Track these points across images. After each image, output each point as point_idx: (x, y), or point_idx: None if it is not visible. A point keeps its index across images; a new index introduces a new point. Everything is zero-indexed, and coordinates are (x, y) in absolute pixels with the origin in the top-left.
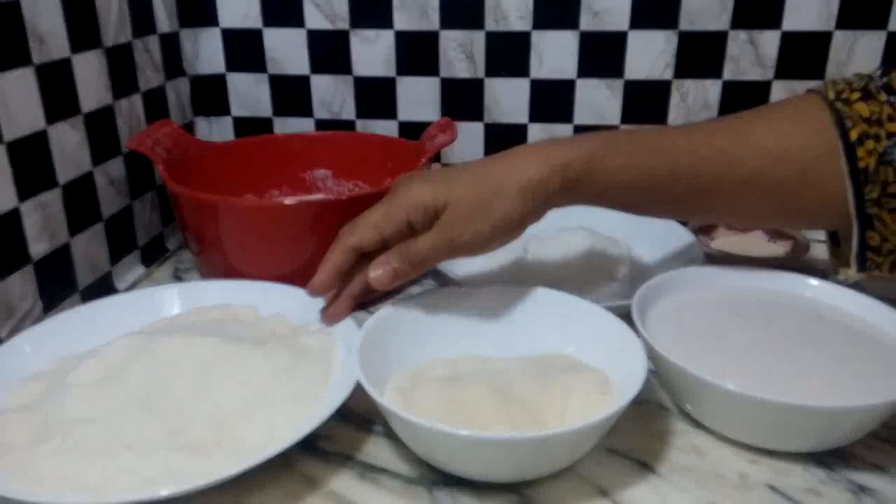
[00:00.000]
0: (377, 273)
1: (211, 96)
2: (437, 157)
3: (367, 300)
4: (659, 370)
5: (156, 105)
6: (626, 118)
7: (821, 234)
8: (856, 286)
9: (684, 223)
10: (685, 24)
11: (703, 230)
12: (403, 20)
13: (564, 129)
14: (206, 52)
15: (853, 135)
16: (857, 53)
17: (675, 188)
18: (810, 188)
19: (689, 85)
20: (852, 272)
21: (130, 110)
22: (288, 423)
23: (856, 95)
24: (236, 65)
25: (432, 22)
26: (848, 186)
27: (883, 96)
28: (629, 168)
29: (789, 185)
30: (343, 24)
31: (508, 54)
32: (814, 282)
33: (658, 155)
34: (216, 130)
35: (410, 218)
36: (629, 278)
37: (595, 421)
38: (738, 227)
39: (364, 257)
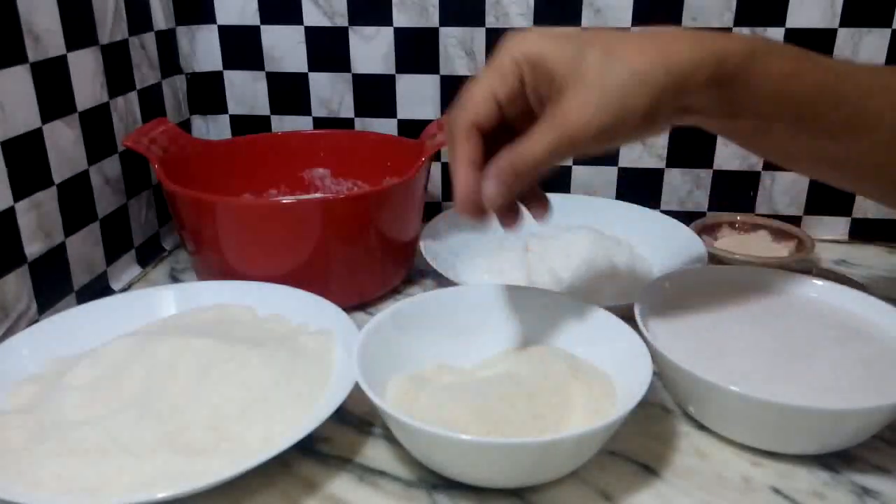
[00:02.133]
0: (487, 189)
1: (208, 94)
2: (437, 156)
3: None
4: (662, 372)
5: (152, 103)
6: None
7: (822, 234)
8: (861, 287)
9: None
10: (688, 20)
11: (707, 230)
12: (403, 17)
13: None
14: (202, 49)
15: None
16: (862, 51)
17: (834, 114)
18: None
19: None
20: None
21: (126, 108)
22: (286, 424)
23: None
24: (233, 62)
25: (432, 19)
26: None
27: None
28: (793, 77)
29: None
30: (342, 21)
31: None
32: (818, 282)
33: (825, 70)
34: (213, 129)
35: (525, 76)
36: (632, 278)
37: (599, 426)
38: (874, 197)
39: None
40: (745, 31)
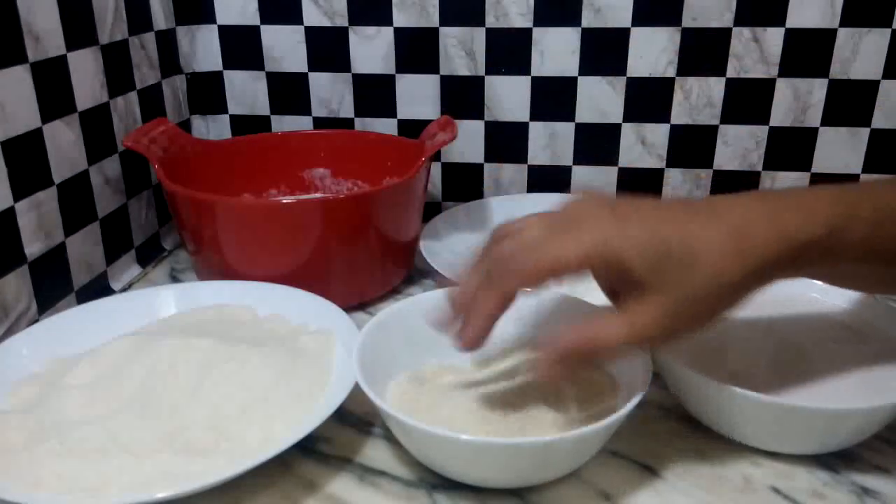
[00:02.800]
0: (541, 370)
1: (208, 94)
2: (437, 156)
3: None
4: (662, 372)
5: (152, 103)
6: (628, 116)
7: None
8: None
9: None
10: (688, 20)
11: None
12: (403, 17)
13: (566, 128)
14: (202, 49)
15: None
16: (862, 51)
17: None
18: None
19: (693, 83)
20: None
21: (126, 108)
22: (286, 424)
23: None
24: (233, 62)
25: (432, 19)
26: None
27: None
28: (875, 238)
29: None
30: (342, 21)
31: (509, 51)
32: (819, 282)
33: None
34: (213, 128)
35: (596, 269)
36: None
37: (599, 426)
38: None
39: None
40: (746, 31)
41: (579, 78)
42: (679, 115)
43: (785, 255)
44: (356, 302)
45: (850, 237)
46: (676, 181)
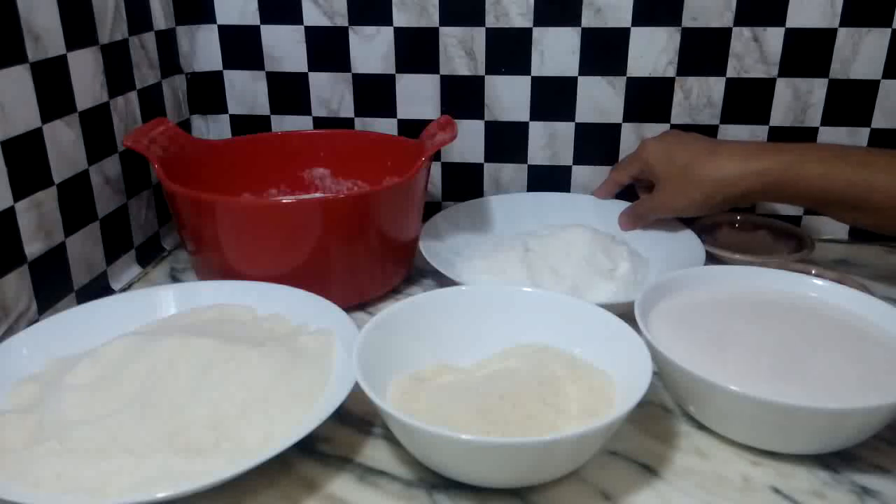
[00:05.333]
0: (624, 215)
1: (208, 94)
2: (437, 156)
3: None
4: (662, 371)
5: (152, 103)
6: (628, 116)
7: (822, 234)
8: (861, 287)
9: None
10: (688, 20)
11: (707, 230)
12: (403, 17)
13: (566, 128)
14: (202, 49)
15: None
16: (862, 51)
17: (872, 197)
18: None
19: (693, 82)
20: None
21: (126, 108)
22: (286, 424)
23: None
24: (233, 62)
25: (432, 18)
26: None
27: None
28: (825, 176)
29: None
30: (342, 21)
31: (509, 51)
32: (818, 282)
33: (856, 165)
34: (213, 128)
35: (639, 172)
36: (630, 277)
37: (599, 426)
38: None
39: None
40: (746, 31)
41: (579, 78)
42: (679, 114)
43: (747, 181)
44: (356, 302)
45: (803, 174)
46: None
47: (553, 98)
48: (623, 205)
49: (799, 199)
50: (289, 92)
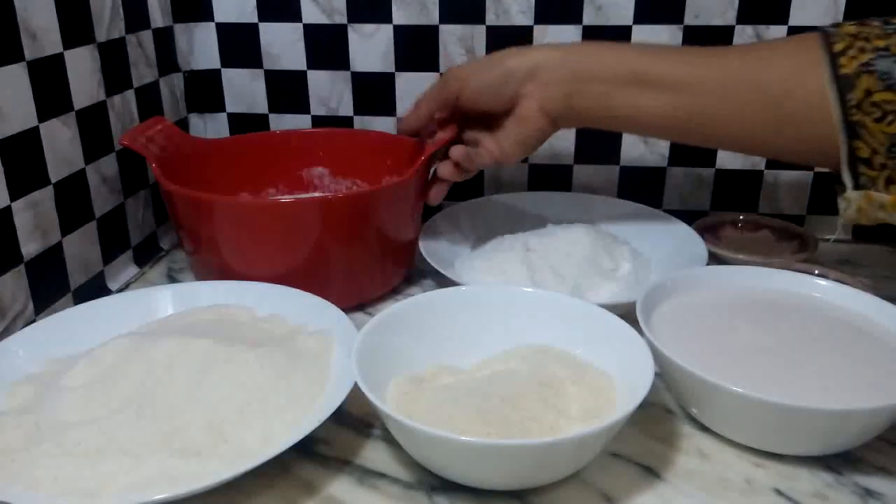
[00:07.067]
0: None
1: (205, 92)
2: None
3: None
4: (664, 372)
5: (149, 101)
6: None
7: (825, 234)
8: (865, 286)
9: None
10: (690, 18)
11: (710, 229)
12: (402, 14)
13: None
14: (200, 47)
15: (837, 47)
16: None
17: (686, 78)
18: (796, 97)
19: None
20: (851, 194)
21: (123, 107)
22: (285, 425)
23: (849, 23)
24: (231, 60)
25: (432, 16)
26: (832, 92)
27: (875, 21)
28: (602, 109)
29: (775, 92)
30: (340, 19)
31: None
32: (821, 282)
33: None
34: (211, 127)
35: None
36: (633, 278)
37: (600, 427)
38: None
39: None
40: (748, 28)
41: None
42: None
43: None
44: (355, 302)
45: (586, 103)
46: (678, 180)
47: None
48: (626, 205)
49: (608, 83)
50: (287, 90)
